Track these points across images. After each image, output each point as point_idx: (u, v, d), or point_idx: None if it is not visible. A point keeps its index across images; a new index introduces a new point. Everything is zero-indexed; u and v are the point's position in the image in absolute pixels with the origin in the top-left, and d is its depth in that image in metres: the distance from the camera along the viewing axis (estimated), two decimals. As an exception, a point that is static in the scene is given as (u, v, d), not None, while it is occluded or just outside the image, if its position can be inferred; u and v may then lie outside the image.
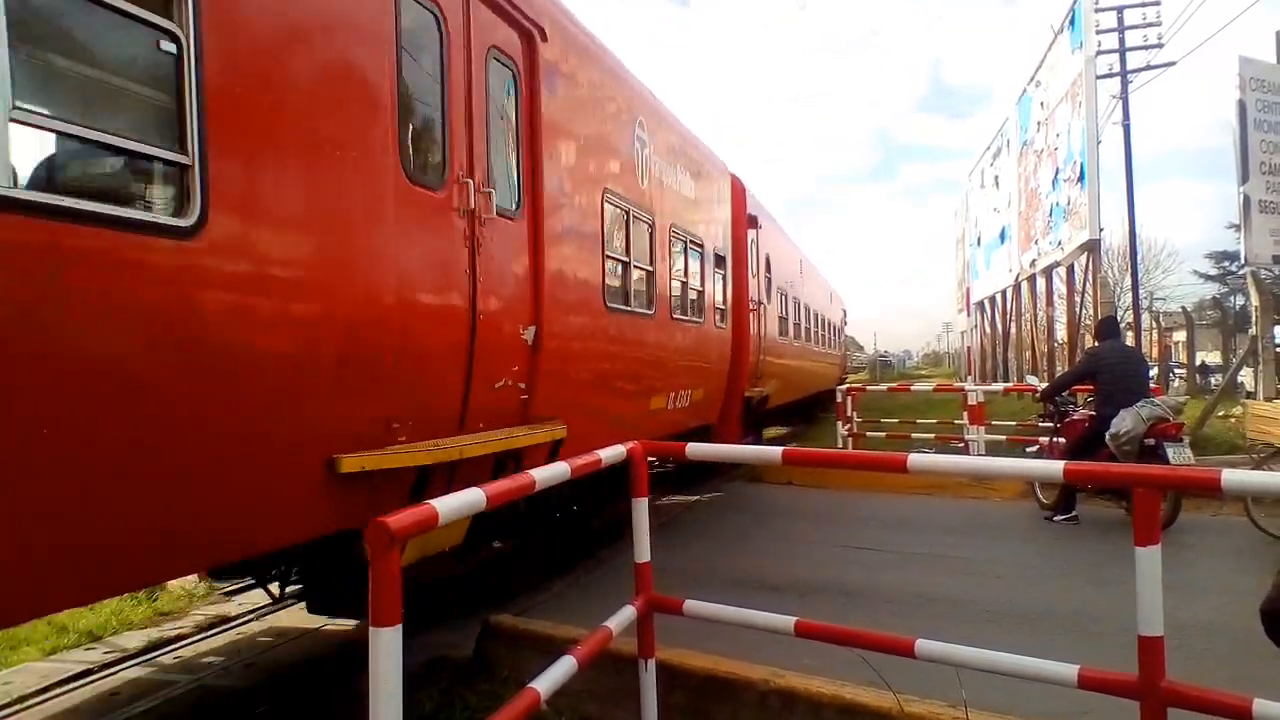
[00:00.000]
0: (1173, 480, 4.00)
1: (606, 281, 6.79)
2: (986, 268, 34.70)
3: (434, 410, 4.45)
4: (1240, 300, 40.35)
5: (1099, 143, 19.25)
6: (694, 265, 9.50)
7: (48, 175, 2.79)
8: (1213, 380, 27.93)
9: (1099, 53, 20.61)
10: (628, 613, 3.48)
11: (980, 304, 37.49)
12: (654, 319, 8.04)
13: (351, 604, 4.97)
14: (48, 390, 2.58)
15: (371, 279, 3.95)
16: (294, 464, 3.50)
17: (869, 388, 17.73)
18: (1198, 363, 32.39)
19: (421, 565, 4.38)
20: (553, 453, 5.47)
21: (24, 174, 2.64)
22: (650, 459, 3.76)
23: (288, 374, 3.44)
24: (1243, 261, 14.34)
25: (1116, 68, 22.35)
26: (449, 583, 5.47)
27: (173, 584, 7.23)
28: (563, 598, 6.13)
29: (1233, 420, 15.57)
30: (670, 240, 8.57)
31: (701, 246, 9.75)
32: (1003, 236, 30.20)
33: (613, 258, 6.98)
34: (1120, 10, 22.34)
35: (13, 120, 2.45)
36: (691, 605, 3.62)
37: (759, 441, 14.03)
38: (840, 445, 13.49)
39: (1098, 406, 8.18)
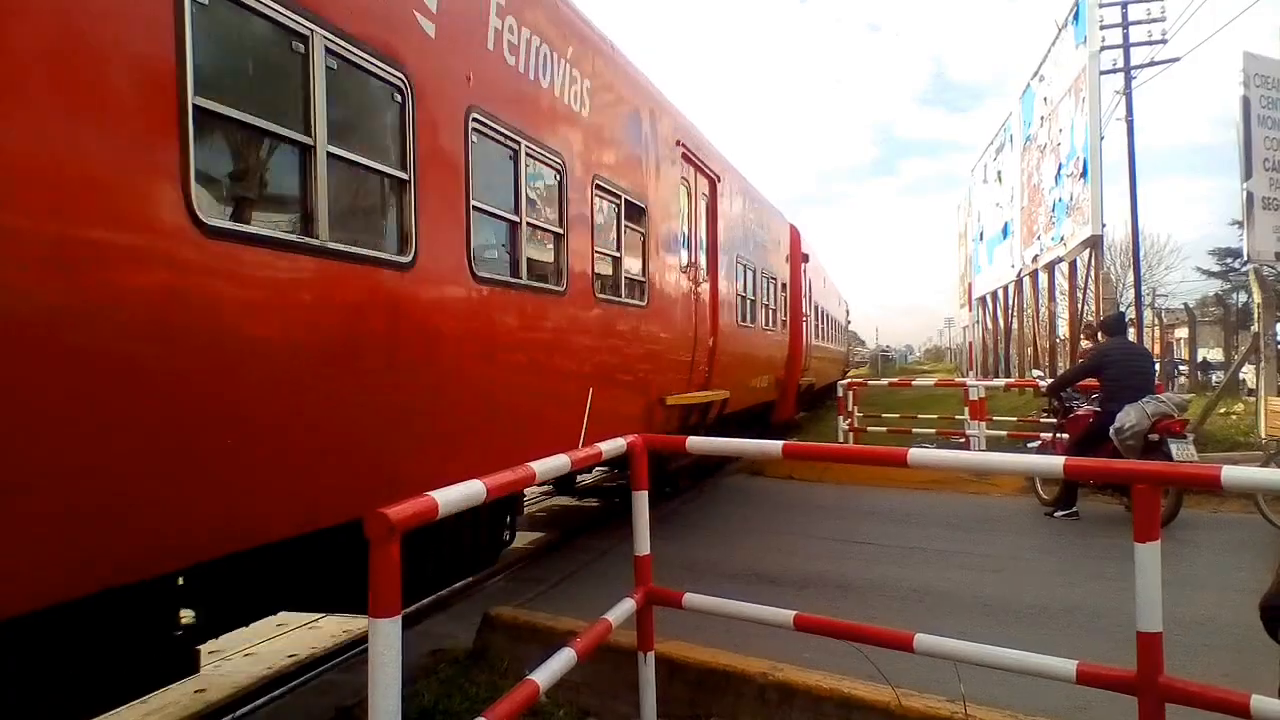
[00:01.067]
0: (1172, 477, 3.99)
1: (738, 308, 11.52)
2: (989, 263, 34.68)
3: (680, 380, 8.92)
4: (1243, 297, 40.26)
5: (1102, 138, 19.23)
6: (774, 294, 14.42)
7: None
8: (1214, 377, 27.91)
9: (1103, 48, 20.56)
10: (627, 605, 3.49)
11: (982, 299, 37.48)
12: (754, 330, 12.70)
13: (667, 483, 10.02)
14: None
15: (681, 325, 8.94)
16: (655, 399, 8.03)
17: (870, 383, 17.70)
18: (1199, 359, 32.36)
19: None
20: (722, 406, 10.41)
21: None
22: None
23: (664, 364, 8.32)
24: (1245, 258, 14.29)
25: (1120, 63, 22.31)
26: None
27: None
28: (562, 589, 6.14)
29: (1234, 417, 15.57)
30: (762, 280, 13.28)
31: (775, 279, 14.59)
32: (1005, 232, 30.18)
33: (741, 296, 11.75)
34: (1124, 6, 22.32)
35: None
36: (691, 598, 3.63)
37: (788, 428, 17.44)
38: (841, 440, 13.51)
39: (1103, 402, 8.18)
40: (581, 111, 6.32)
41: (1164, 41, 21.93)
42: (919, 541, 7.49)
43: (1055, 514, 8.31)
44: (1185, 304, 34.80)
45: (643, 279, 7.77)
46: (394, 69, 4.15)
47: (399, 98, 4.23)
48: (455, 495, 2.43)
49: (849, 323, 40.85)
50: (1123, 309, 29.71)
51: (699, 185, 9.79)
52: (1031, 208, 25.36)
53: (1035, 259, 25.05)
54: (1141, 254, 25.84)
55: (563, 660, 2.99)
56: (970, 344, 42.94)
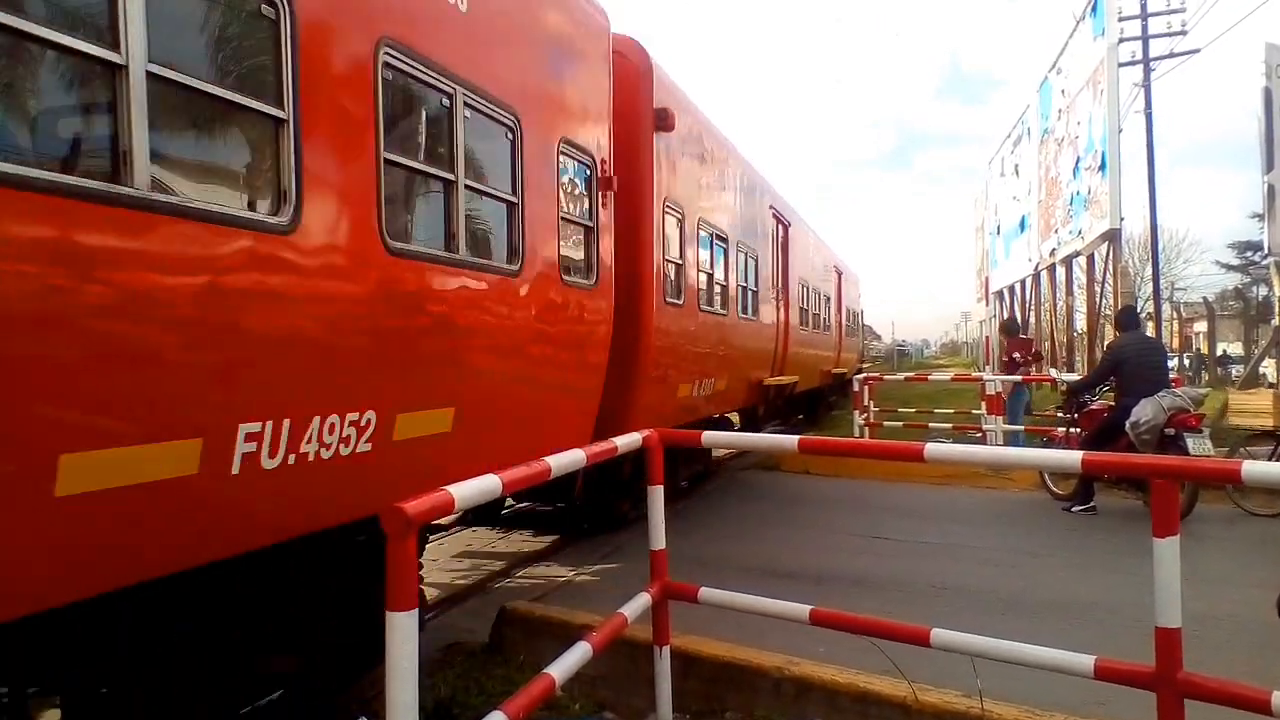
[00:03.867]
0: (1193, 471, 3.97)
1: (847, 328, 22.99)
2: (1006, 257, 34.42)
3: (832, 362, 19.34)
4: (1263, 291, 39.83)
5: (1120, 131, 19.02)
6: (854, 318, 24.78)
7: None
8: (1233, 371, 27.66)
9: (1121, 40, 20.34)
10: (643, 600, 3.50)
11: (999, 293, 37.19)
12: (850, 338, 23.76)
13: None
14: None
15: (833, 340, 20.16)
16: (826, 370, 18.58)
17: (886, 377, 17.65)
18: (1219, 353, 32.07)
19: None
20: (842, 375, 20.28)
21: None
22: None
23: (827, 358, 18.92)
24: (1266, 251, 14.19)
25: (1139, 55, 22.07)
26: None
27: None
28: (578, 584, 6.16)
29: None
30: (850, 312, 23.84)
31: (851, 310, 24.18)
32: (1022, 225, 29.95)
33: (845, 323, 22.21)
34: (1143, -4, 22.03)
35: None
36: (706, 593, 3.63)
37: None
38: (857, 435, 13.45)
39: (1118, 396, 8.13)
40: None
41: (1183, 33, 21.64)
42: (935, 536, 7.46)
43: (1073, 509, 8.26)
44: (1204, 298, 34.53)
45: (833, 325, 18.82)
46: None
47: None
48: (471, 490, 2.44)
49: (863, 317, 41.68)
50: (1141, 303, 29.51)
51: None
52: (1049, 201, 25.16)
53: (1053, 253, 24.85)
54: (1160, 248, 25.54)
55: (578, 654, 3.01)
56: (987, 338, 42.65)
